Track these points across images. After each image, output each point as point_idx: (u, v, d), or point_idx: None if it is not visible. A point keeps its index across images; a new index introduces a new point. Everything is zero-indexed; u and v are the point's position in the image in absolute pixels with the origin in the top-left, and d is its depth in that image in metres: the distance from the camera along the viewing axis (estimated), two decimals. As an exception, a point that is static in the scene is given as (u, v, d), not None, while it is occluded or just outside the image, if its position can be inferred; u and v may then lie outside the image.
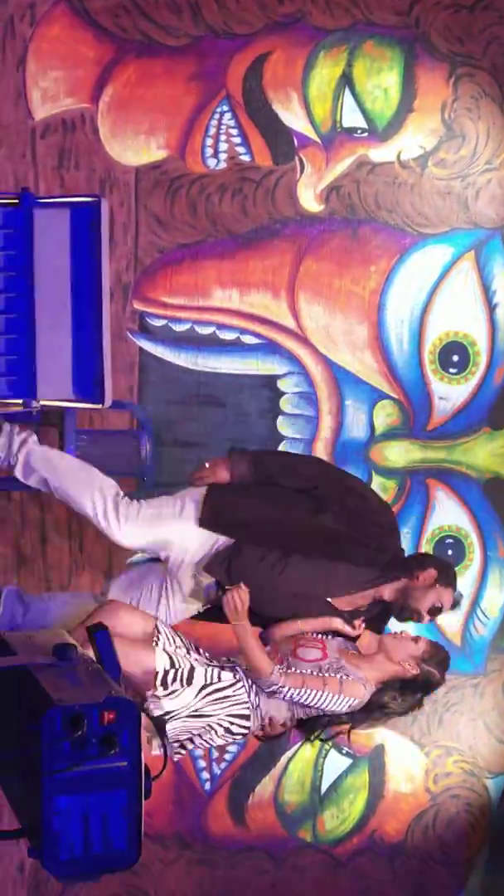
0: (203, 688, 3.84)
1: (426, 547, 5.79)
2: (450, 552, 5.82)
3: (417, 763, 5.78)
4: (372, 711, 4.04)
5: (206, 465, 4.29)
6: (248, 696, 3.89)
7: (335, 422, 5.68)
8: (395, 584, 4.13)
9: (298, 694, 3.83)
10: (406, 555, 4.36)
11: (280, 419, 5.64)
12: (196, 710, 3.87)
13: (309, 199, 5.57)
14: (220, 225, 5.49)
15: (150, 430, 5.17)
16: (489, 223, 5.73)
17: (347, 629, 4.09)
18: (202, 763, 5.64)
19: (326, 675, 3.87)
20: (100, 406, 3.88)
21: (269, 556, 4.02)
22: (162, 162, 5.43)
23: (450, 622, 5.81)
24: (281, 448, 5.62)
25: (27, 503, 5.36)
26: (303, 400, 5.66)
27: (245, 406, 5.60)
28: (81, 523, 5.41)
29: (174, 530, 4.16)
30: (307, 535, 4.06)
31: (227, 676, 3.91)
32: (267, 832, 5.64)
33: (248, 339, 5.58)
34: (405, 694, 4.08)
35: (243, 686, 3.89)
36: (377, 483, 5.73)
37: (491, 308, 5.77)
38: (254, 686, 3.88)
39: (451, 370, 5.76)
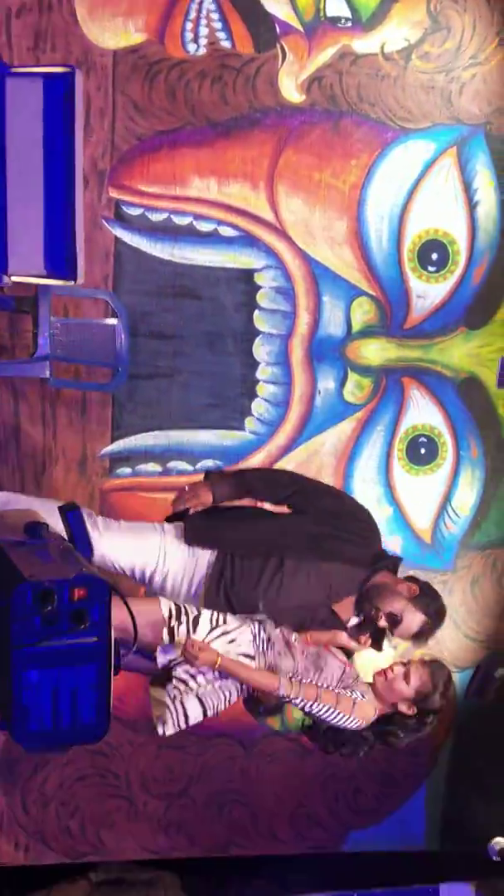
0: (210, 631, 3.79)
1: (399, 445, 5.83)
2: (423, 451, 5.87)
3: (385, 656, 5.83)
4: (385, 737, 3.96)
5: (186, 488, 4.09)
6: (254, 638, 3.83)
7: (312, 318, 5.67)
8: (379, 576, 4.04)
9: (310, 706, 3.79)
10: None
11: (256, 313, 5.61)
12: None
13: (290, 88, 5.48)
14: (199, 112, 5.40)
15: (126, 320, 5.11)
16: (472, 119, 5.66)
17: (353, 644, 4.00)
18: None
19: (342, 690, 3.80)
20: (72, 282, 3.86)
21: (264, 576, 3.91)
22: (140, 46, 5.31)
23: (420, 520, 5.88)
24: (256, 342, 5.61)
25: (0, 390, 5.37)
26: (280, 295, 5.62)
27: (221, 299, 5.56)
28: (56, 412, 5.43)
29: (154, 545, 3.95)
30: (293, 539, 3.94)
31: (232, 619, 3.85)
32: (237, 719, 5.66)
33: (226, 231, 5.52)
34: (406, 728, 3.97)
35: (249, 629, 3.83)
36: (353, 381, 5.75)
37: (471, 206, 5.73)
38: (261, 631, 3.82)
39: (430, 268, 5.74)
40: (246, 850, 5.90)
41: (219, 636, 3.77)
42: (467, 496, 5.92)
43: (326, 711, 3.78)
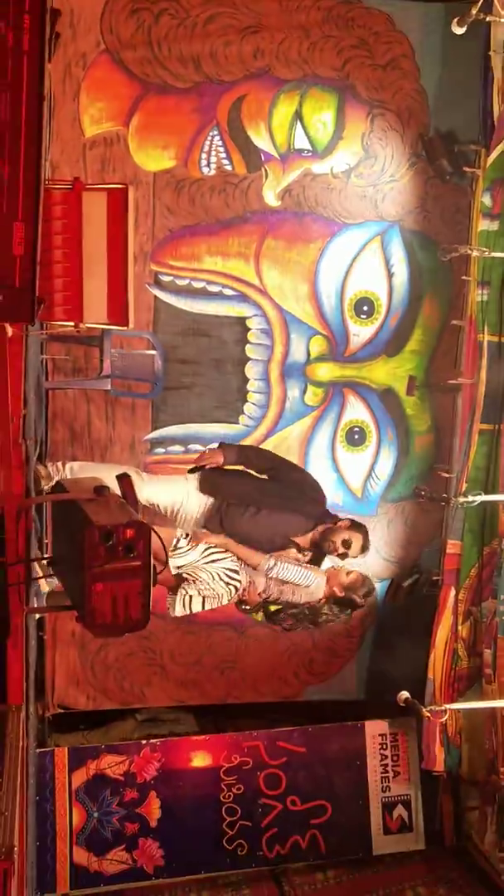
0: (205, 550, 3.85)
1: (341, 434, 5.82)
2: (356, 437, 5.84)
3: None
4: (316, 617, 4.03)
5: (206, 451, 4.25)
6: (238, 560, 3.89)
7: (284, 349, 5.65)
8: (322, 526, 4.11)
9: (284, 568, 3.83)
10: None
11: (247, 346, 5.60)
12: (199, 564, 3.88)
13: (270, 197, 5.47)
14: (210, 213, 5.39)
15: (161, 351, 5.13)
16: (391, 217, 5.64)
17: (300, 556, 4.11)
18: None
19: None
20: (125, 328, 3.84)
21: (247, 512, 4.00)
22: (172, 169, 5.30)
23: (354, 482, 5.87)
24: (248, 365, 5.61)
25: (78, 397, 5.35)
26: (263, 333, 5.62)
27: (224, 336, 5.55)
28: (114, 412, 5.41)
29: (182, 490, 4.10)
30: (269, 497, 4.04)
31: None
32: (233, 615, 5.70)
33: (228, 292, 5.51)
34: (339, 608, 4.03)
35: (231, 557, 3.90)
36: (311, 391, 5.72)
37: (390, 275, 5.71)
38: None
39: (363, 315, 5.72)
40: (238, 700, 5.88)
41: (211, 554, 3.84)
42: (386, 466, 5.91)
43: (296, 572, 3.80)
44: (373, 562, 5.85)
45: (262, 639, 5.78)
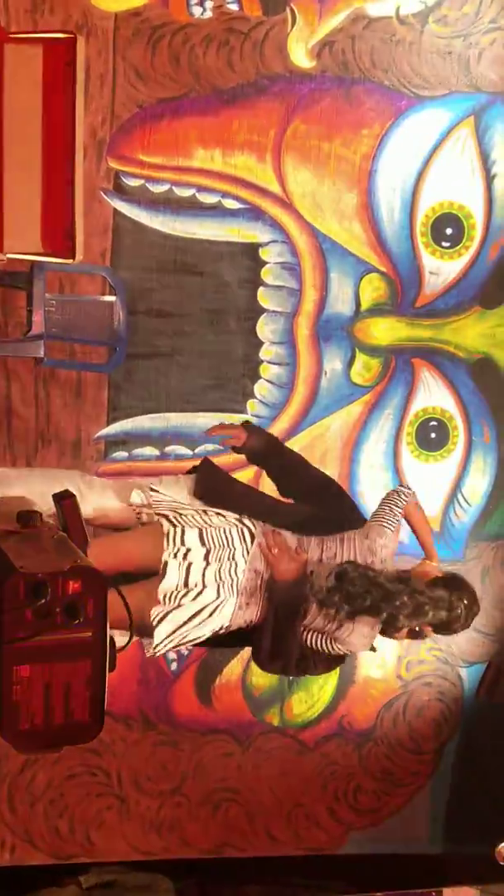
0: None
1: (409, 429, 5.84)
2: (433, 436, 5.88)
3: (390, 649, 5.89)
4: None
5: (226, 423, 4.33)
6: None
7: (319, 295, 5.68)
8: None
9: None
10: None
11: (261, 290, 5.64)
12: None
13: (300, 54, 5.49)
14: (204, 79, 5.42)
15: (124, 297, 5.14)
16: (491, 87, 5.67)
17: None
18: (169, 643, 5.71)
19: None
20: (70, 261, 3.85)
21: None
22: (143, 8, 5.32)
23: (429, 507, 5.86)
24: (260, 320, 5.64)
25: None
26: (285, 271, 5.64)
27: (224, 275, 5.58)
28: (49, 393, 5.44)
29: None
30: (280, 520, 3.96)
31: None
32: (233, 715, 5.76)
33: (230, 204, 5.54)
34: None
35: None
36: (360, 361, 5.76)
37: (489, 178, 5.75)
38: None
39: (444, 244, 5.75)
40: (242, 852, 5.92)
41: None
42: (479, 483, 5.95)
43: None
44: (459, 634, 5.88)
45: (279, 754, 5.84)
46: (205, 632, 3.80)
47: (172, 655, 5.71)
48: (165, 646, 3.79)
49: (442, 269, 5.77)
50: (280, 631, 3.75)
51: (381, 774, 5.99)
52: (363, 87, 5.56)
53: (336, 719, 5.91)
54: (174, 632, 3.78)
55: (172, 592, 3.77)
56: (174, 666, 5.76)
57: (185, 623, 3.78)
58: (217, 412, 5.61)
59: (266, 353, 5.67)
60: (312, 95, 5.53)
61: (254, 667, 5.60)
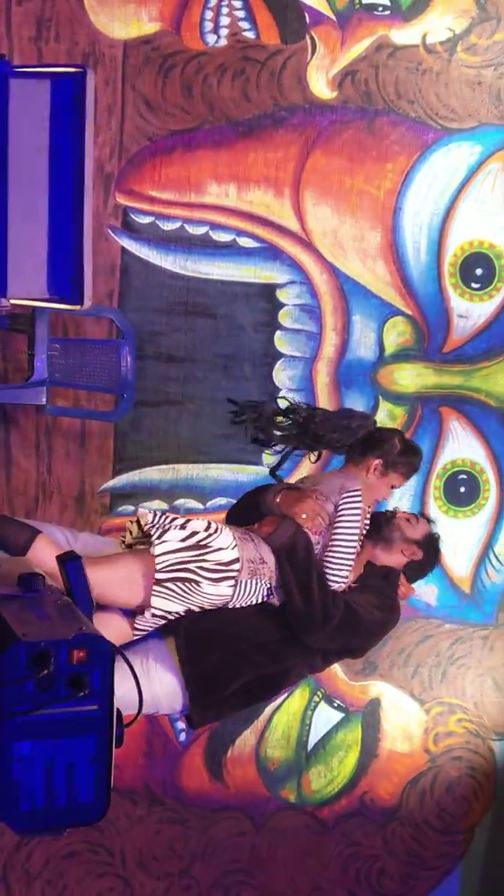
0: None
1: (436, 482, 5.83)
2: (462, 489, 5.86)
3: (416, 720, 5.88)
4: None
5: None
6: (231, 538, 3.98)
7: (340, 339, 5.70)
8: None
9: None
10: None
11: (278, 334, 5.66)
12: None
13: (320, 84, 5.54)
14: (218, 110, 5.46)
15: (132, 341, 5.16)
16: (523, 119, 5.70)
17: None
18: (178, 712, 5.71)
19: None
20: (77, 307, 3.87)
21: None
22: (154, 36, 5.38)
23: (459, 567, 5.89)
24: (277, 366, 5.65)
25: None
26: (304, 313, 5.66)
27: (239, 318, 5.61)
28: (51, 443, 5.45)
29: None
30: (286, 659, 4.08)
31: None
32: (246, 790, 5.74)
33: (246, 242, 5.57)
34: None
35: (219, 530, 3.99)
36: (384, 409, 5.76)
37: (522, 217, 5.76)
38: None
39: (474, 285, 5.77)
40: (255, 939, 5.89)
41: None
42: (512, 541, 5.92)
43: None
44: (489, 703, 5.83)
45: (296, 833, 5.82)
46: (209, 560, 3.84)
47: (181, 725, 5.69)
48: (169, 561, 3.81)
49: (471, 311, 5.78)
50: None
51: (406, 856, 5.95)
52: (387, 119, 5.60)
53: (357, 796, 5.89)
54: (176, 550, 3.83)
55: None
56: (182, 737, 5.74)
57: (184, 541, 3.84)
58: (230, 463, 5.64)
59: (283, 401, 5.62)
60: (333, 127, 5.56)
61: (269, 737, 5.66)
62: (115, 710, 2.73)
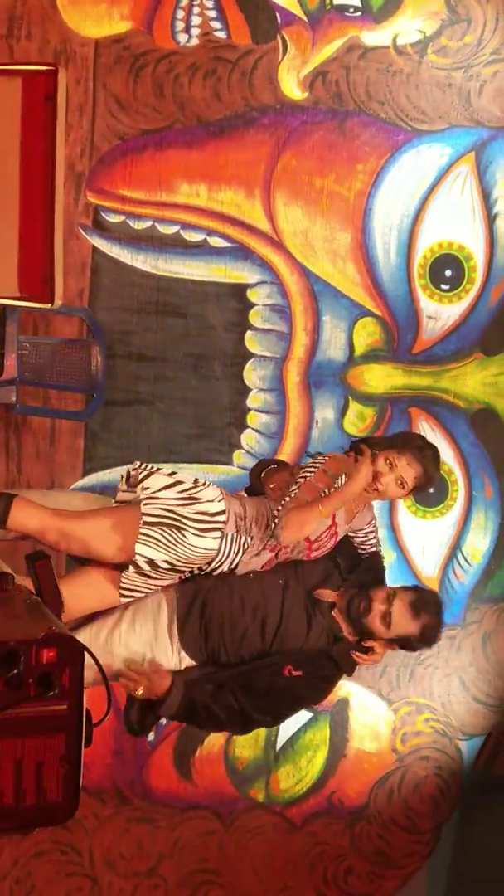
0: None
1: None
2: (431, 490, 5.85)
3: (384, 720, 5.89)
4: None
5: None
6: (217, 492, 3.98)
7: (310, 339, 5.71)
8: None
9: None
10: None
11: (248, 334, 5.67)
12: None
13: (291, 85, 5.55)
14: (189, 110, 5.47)
15: (103, 340, 5.14)
16: (493, 121, 5.72)
17: None
18: (147, 712, 5.69)
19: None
20: (48, 306, 3.84)
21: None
22: (125, 35, 5.38)
23: (427, 567, 5.91)
24: (248, 366, 5.66)
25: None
26: (275, 314, 5.67)
27: (209, 318, 5.61)
28: (21, 441, 5.44)
29: None
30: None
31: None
32: (215, 789, 5.74)
33: (216, 242, 5.58)
34: None
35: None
36: (354, 410, 5.78)
37: (490, 218, 5.78)
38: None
39: (443, 286, 5.78)
40: (223, 938, 5.88)
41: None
42: (480, 542, 5.95)
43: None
44: (457, 702, 5.85)
45: (265, 833, 5.82)
46: (195, 509, 3.83)
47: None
48: (155, 503, 3.81)
49: (441, 313, 5.79)
50: None
51: (373, 855, 5.95)
52: (358, 120, 5.61)
53: (325, 795, 5.89)
54: (162, 490, 3.84)
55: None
56: (151, 736, 5.72)
57: (170, 487, 3.85)
58: (201, 463, 5.63)
59: (254, 400, 5.69)
60: (304, 128, 5.57)
61: (237, 738, 5.66)
62: (84, 709, 2.73)
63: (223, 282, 5.60)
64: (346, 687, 5.80)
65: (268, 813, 5.80)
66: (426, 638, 3.99)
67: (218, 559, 3.85)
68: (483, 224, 5.78)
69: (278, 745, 5.84)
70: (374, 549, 4.21)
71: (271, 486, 4.01)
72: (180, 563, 3.82)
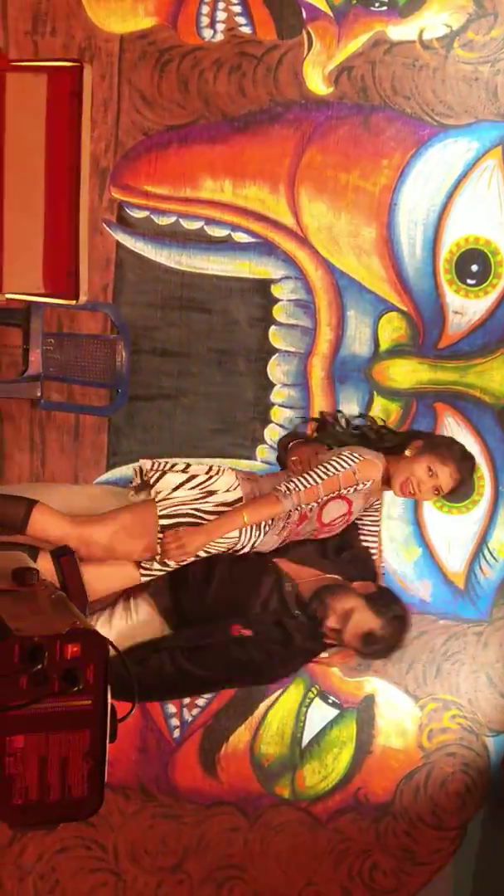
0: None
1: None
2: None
3: (410, 717, 5.89)
4: None
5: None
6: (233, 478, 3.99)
7: (335, 335, 5.70)
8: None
9: (320, 499, 3.92)
10: None
11: (272, 329, 5.67)
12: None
13: (316, 80, 5.54)
14: (214, 106, 5.47)
15: (127, 335, 5.17)
16: (521, 116, 5.70)
17: None
18: (172, 708, 5.73)
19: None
20: (73, 302, 3.84)
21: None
22: (150, 30, 5.38)
23: (453, 562, 5.90)
24: (272, 361, 5.67)
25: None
26: (299, 309, 5.67)
27: (233, 313, 5.62)
28: (45, 437, 5.45)
29: None
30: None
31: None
32: (240, 786, 5.76)
33: (241, 237, 5.59)
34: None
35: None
36: (379, 405, 5.76)
37: (518, 213, 5.76)
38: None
39: (469, 281, 5.76)
40: (248, 934, 5.90)
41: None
42: (507, 537, 5.93)
43: (335, 494, 3.90)
44: (483, 699, 5.84)
45: (289, 829, 5.83)
46: (211, 502, 3.86)
47: (175, 722, 5.70)
48: (170, 503, 3.83)
49: (467, 308, 5.77)
50: None
51: (399, 852, 5.96)
52: (383, 115, 5.60)
53: (351, 792, 5.89)
54: (176, 490, 3.87)
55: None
56: (176, 733, 5.75)
57: (184, 484, 3.87)
58: (224, 458, 5.60)
59: (277, 395, 5.70)
60: (329, 123, 5.57)
61: (263, 734, 5.66)
62: (109, 705, 2.74)
63: (247, 277, 5.61)
64: (372, 683, 5.82)
65: (293, 809, 5.81)
66: (375, 653, 4.05)
67: (240, 543, 3.86)
68: (510, 219, 5.76)
69: (304, 742, 5.84)
70: (371, 539, 4.23)
71: (293, 458, 4.03)
72: (202, 552, 3.85)
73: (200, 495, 3.86)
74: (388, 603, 4.04)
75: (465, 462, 4.03)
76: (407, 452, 4.00)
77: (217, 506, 3.84)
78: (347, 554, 4.16)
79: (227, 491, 3.87)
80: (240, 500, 3.85)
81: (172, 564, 3.85)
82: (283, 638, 3.98)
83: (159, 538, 3.83)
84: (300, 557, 4.05)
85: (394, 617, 4.00)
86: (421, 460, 3.95)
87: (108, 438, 5.56)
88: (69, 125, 3.75)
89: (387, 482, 4.03)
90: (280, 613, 3.98)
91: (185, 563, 3.87)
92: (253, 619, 3.95)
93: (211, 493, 3.86)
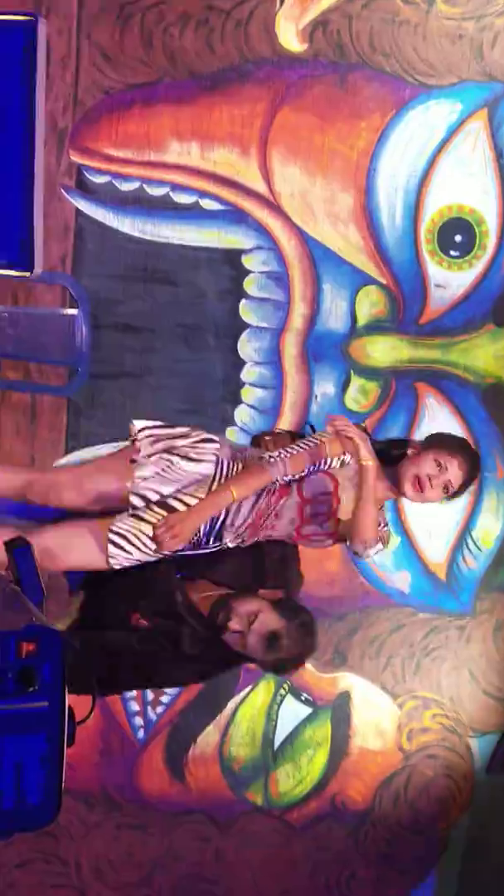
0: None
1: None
2: (439, 471, 5.86)
3: (389, 716, 5.89)
4: None
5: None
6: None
7: (309, 309, 5.69)
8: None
9: (308, 468, 3.97)
10: None
11: (243, 303, 5.65)
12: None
13: (289, 35, 5.52)
14: (180, 63, 5.45)
15: (87, 309, 5.17)
16: (507, 76, 5.67)
17: None
18: (135, 706, 5.72)
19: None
20: (27, 274, 3.85)
21: None
22: (111, -19, 5.36)
23: (434, 552, 5.90)
24: (242, 337, 5.66)
25: None
26: (271, 281, 5.65)
27: (201, 285, 5.61)
28: (0, 417, 5.44)
29: None
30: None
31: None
32: (210, 792, 5.76)
33: (209, 204, 5.57)
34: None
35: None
36: (356, 385, 5.76)
37: None
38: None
39: (453, 253, 5.74)
40: None
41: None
42: (491, 525, 5.92)
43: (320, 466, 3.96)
44: (467, 697, 5.84)
45: (263, 838, 5.83)
46: (189, 441, 3.96)
47: (139, 721, 5.69)
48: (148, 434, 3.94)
49: (450, 281, 5.76)
50: None
51: (379, 861, 5.96)
52: (361, 74, 5.57)
53: (328, 798, 5.89)
54: (153, 427, 3.99)
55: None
56: (141, 733, 5.76)
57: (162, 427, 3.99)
58: (193, 442, 5.61)
59: (248, 374, 5.69)
60: (303, 82, 5.54)
61: (233, 734, 5.65)
62: (66, 706, 2.72)
63: (216, 247, 5.60)
64: (347, 679, 5.83)
65: (267, 817, 5.80)
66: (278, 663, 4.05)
67: (215, 481, 3.89)
68: (496, 186, 5.73)
69: (276, 743, 5.85)
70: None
71: (267, 438, 4.11)
72: (174, 497, 3.86)
73: (181, 434, 3.95)
74: (296, 609, 4.07)
75: (473, 458, 4.06)
76: (409, 451, 4.01)
77: (193, 444, 3.93)
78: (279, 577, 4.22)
79: (205, 436, 3.98)
80: (216, 441, 3.96)
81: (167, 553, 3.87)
82: (176, 632, 4.01)
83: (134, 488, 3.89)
84: (217, 579, 4.09)
85: (300, 623, 4.01)
86: (427, 455, 3.95)
87: (68, 419, 5.55)
88: (21, 83, 3.75)
89: (394, 490, 4.03)
90: (177, 617, 4.01)
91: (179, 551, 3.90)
92: (149, 609, 4.00)
93: (189, 437, 3.96)
